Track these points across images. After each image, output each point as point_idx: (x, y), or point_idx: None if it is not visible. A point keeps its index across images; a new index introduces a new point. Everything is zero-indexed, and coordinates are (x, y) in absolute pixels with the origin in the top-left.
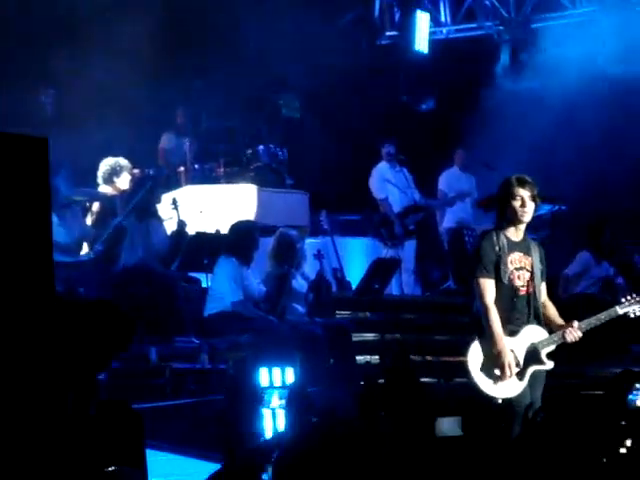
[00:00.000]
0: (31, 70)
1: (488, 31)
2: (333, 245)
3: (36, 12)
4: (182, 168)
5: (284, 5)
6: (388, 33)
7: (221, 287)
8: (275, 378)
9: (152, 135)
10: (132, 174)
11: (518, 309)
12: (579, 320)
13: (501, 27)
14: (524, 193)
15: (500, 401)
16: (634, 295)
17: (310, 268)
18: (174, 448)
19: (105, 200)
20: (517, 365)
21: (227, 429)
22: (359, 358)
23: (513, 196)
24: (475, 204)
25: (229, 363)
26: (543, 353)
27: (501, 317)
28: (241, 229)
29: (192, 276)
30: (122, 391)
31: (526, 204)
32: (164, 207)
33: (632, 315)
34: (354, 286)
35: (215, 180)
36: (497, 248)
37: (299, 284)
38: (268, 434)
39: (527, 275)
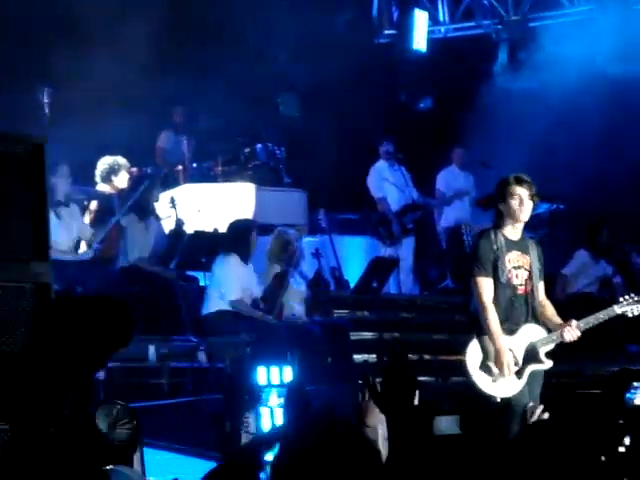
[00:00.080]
0: (29, 69)
1: (486, 30)
2: (331, 244)
3: (34, 11)
4: (180, 167)
5: (283, 4)
6: (386, 32)
7: (219, 286)
8: (273, 377)
9: (150, 134)
10: (130, 173)
11: (516, 308)
12: (577, 319)
13: (499, 26)
14: (522, 192)
15: (499, 400)
16: (632, 295)
17: (308, 267)
18: (172, 447)
19: (103, 199)
20: (516, 364)
21: (225, 428)
22: (357, 357)
23: (511, 195)
24: (473, 203)
25: (227, 362)
26: (542, 352)
27: (499, 316)
28: (239, 228)
29: (190, 275)
30: (120, 390)
31: (524, 203)
32: (162, 206)
33: (630, 314)
34: (352, 285)
35: (213, 179)
36: (495, 247)
37: (297, 283)
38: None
39: (525, 274)
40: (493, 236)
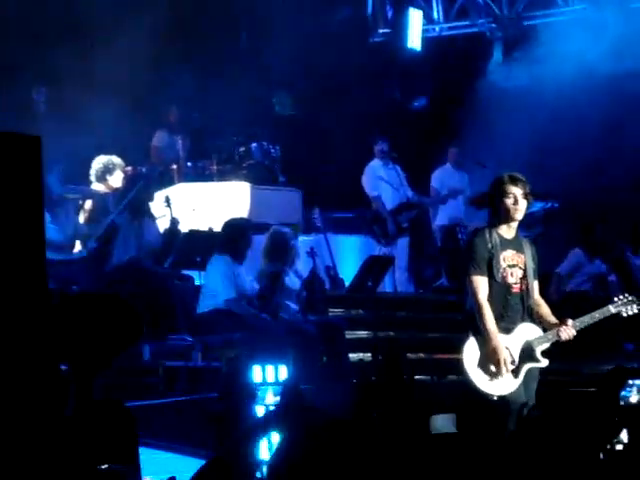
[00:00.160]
0: (24, 68)
1: (481, 28)
2: (326, 242)
3: (31, 10)
4: (175, 166)
5: (277, 3)
6: (381, 30)
7: (214, 285)
8: (268, 375)
9: (145, 133)
10: (125, 172)
11: (511, 306)
12: (573, 318)
13: (494, 24)
14: (516, 191)
15: (495, 398)
16: (626, 295)
17: (303, 266)
18: (167, 446)
19: (98, 198)
20: (512, 362)
21: (220, 427)
22: (352, 356)
23: (505, 194)
24: (468, 202)
25: (222, 361)
26: (538, 351)
27: (494, 314)
28: (234, 227)
29: (185, 274)
30: (115, 389)
31: (518, 202)
32: (157, 205)
33: (624, 314)
34: (347, 283)
35: (208, 178)
36: (489, 245)
37: (292, 282)
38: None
39: (520, 273)
40: (488, 235)
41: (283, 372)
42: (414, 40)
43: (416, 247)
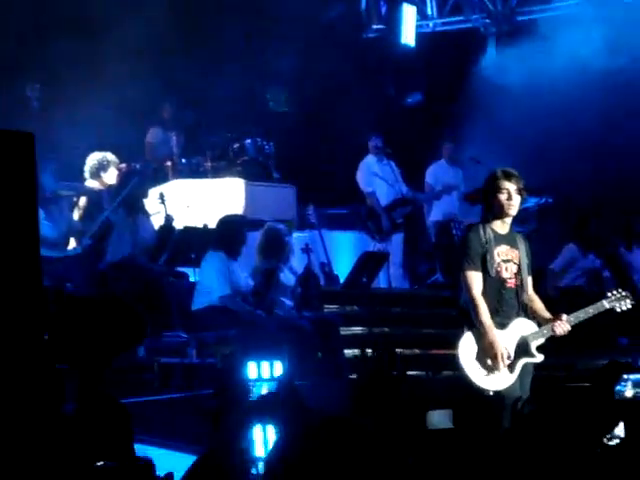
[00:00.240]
0: (17, 65)
1: (475, 24)
2: (321, 239)
3: (24, 8)
4: (169, 162)
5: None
6: (375, 27)
7: (209, 281)
8: (263, 372)
9: (139, 129)
10: (119, 169)
11: (506, 301)
12: (568, 313)
13: (487, 20)
14: (510, 186)
15: (491, 393)
16: (619, 290)
17: (298, 262)
18: (162, 442)
19: (92, 195)
20: (508, 357)
21: (216, 423)
22: (347, 352)
23: (499, 189)
24: (462, 197)
25: (217, 357)
26: (533, 346)
27: (489, 309)
28: (229, 223)
29: (179, 271)
30: (110, 386)
31: (512, 197)
32: (151, 202)
33: (618, 309)
34: (342, 280)
35: (202, 174)
36: (484, 241)
37: (287, 278)
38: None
39: (514, 267)
40: (482, 230)
41: (278, 368)
42: (408, 36)
43: (411, 243)
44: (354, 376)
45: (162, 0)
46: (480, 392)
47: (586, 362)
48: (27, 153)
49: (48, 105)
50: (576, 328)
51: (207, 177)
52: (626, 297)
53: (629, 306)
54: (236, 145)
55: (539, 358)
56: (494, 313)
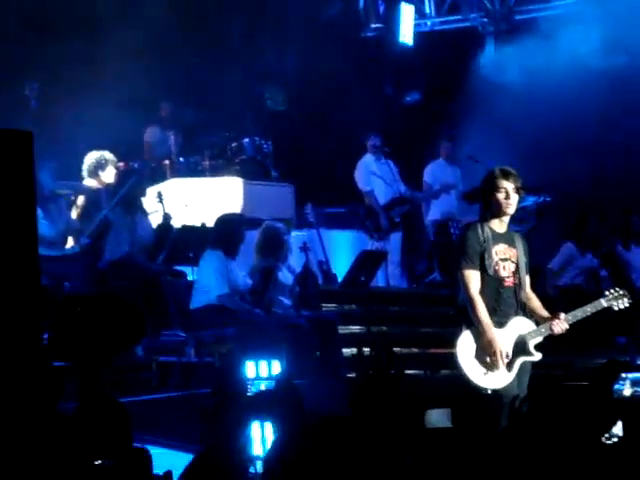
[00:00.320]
0: (16, 64)
1: (473, 23)
2: (319, 238)
3: (22, 7)
4: (167, 161)
5: None
6: (373, 25)
7: (207, 280)
8: (261, 371)
9: (137, 129)
10: (117, 168)
11: (504, 300)
12: (567, 312)
13: (485, 19)
14: (508, 185)
15: (489, 392)
16: (617, 288)
17: (296, 261)
18: (161, 441)
19: (90, 194)
20: (506, 356)
21: (213, 422)
22: (345, 351)
23: (497, 188)
24: (460, 196)
25: (215, 356)
26: (531, 345)
27: (487, 308)
28: (227, 222)
29: (178, 269)
30: (108, 385)
31: (510, 196)
32: (149, 200)
33: (615, 308)
34: (340, 279)
35: (200, 173)
36: (482, 239)
37: (285, 277)
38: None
39: (512, 266)
40: (480, 229)
41: (276, 367)
42: (406, 35)
43: (409, 242)
44: (352, 375)
45: (161, 1)
46: (478, 391)
47: (584, 361)
48: (26, 152)
49: (47, 104)
50: (574, 327)
51: (205, 176)
52: (624, 295)
53: (627, 304)
54: (234, 144)
55: (537, 357)
56: (492, 312)
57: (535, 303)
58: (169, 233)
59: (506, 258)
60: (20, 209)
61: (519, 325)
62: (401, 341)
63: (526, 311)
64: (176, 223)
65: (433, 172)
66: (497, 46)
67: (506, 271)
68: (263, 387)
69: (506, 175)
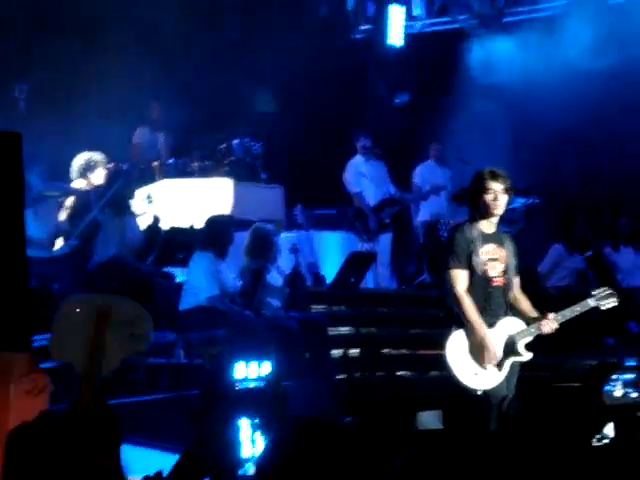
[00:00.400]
0: (4, 66)
1: (462, 25)
2: (308, 239)
3: (8, 7)
4: (156, 163)
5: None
6: (362, 27)
7: (196, 282)
8: (251, 372)
9: (126, 130)
10: (106, 169)
11: (494, 300)
12: (556, 312)
13: (475, 21)
14: (497, 186)
15: (480, 393)
16: (604, 288)
17: (285, 262)
18: (150, 443)
19: (79, 195)
20: (497, 355)
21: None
22: (334, 352)
23: (486, 189)
24: (450, 198)
25: (205, 358)
26: (521, 345)
27: (477, 308)
28: (216, 223)
29: (167, 271)
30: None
31: (499, 197)
32: (138, 202)
33: (603, 307)
34: (329, 280)
35: (189, 175)
36: (470, 239)
37: (274, 278)
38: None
39: (501, 267)
40: (468, 229)
41: (265, 368)
42: (395, 36)
43: (398, 243)
44: (342, 376)
45: (151, 2)
46: (468, 392)
47: (573, 362)
48: (14, 153)
49: (35, 106)
50: (563, 329)
51: (194, 177)
52: (611, 295)
53: (615, 304)
54: (223, 145)
55: (527, 356)
56: (482, 311)
57: (524, 304)
58: (158, 234)
59: (495, 258)
60: (9, 210)
61: (509, 325)
62: (390, 342)
63: (515, 312)
64: (165, 224)
65: (422, 173)
66: (486, 48)
67: (495, 271)
68: (252, 386)
69: (495, 177)
